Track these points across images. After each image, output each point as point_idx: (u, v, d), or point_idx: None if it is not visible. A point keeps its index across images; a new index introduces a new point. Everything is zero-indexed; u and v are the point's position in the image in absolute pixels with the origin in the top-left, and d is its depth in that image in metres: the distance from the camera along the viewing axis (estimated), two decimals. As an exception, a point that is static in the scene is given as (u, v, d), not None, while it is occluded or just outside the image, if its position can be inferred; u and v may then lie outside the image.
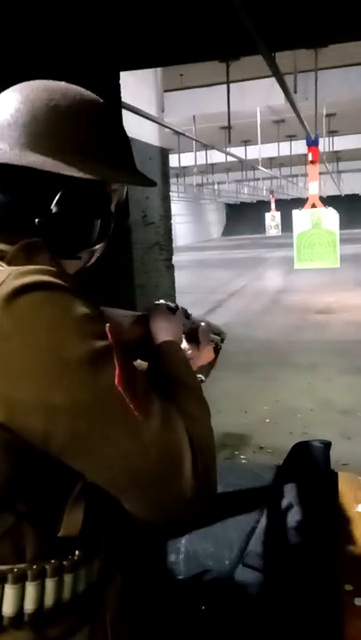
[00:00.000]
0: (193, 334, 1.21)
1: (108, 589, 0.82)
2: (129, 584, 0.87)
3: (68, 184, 0.76)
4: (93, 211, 0.81)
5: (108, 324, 0.70)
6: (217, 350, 1.27)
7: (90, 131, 0.80)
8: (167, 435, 0.69)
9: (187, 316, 1.15)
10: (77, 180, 0.76)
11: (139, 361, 0.99)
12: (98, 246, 0.87)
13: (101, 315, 0.74)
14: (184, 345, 1.22)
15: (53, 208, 0.76)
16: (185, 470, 0.69)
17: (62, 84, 0.83)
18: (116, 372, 0.66)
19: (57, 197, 0.76)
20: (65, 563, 0.74)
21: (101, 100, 0.85)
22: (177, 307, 1.10)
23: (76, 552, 0.76)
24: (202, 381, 1.19)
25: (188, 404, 0.77)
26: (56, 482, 0.73)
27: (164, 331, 0.96)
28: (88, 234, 0.82)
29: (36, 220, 0.76)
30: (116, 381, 0.66)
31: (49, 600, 0.73)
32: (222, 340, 1.32)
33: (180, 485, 0.69)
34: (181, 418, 0.72)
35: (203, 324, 1.21)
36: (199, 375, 1.21)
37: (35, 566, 0.72)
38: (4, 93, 0.81)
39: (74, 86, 0.83)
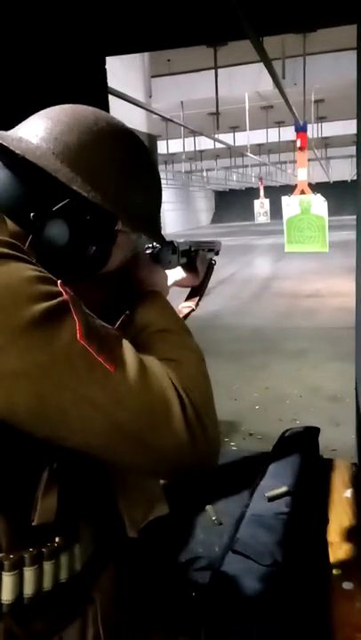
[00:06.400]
0: (191, 264, 1.16)
1: (97, 582, 0.80)
2: (124, 574, 0.85)
3: (78, 200, 0.76)
4: (88, 234, 0.78)
5: (59, 281, 0.68)
6: (211, 267, 1.24)
7: (118, 164, 0.80)
8: (144, 382, 0.66)
9: (174, 250, 1.08)
10: (88, 201, 0.75)
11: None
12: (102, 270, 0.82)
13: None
14: (182, 275, 1.17)
15: (55, 210, 0.75)
16: (173, 414, 0.67)
17: (113, 117, 0.85)
18: (77, 325, 0.64)
19: (62, 203, 0.75)
20: (44, 550, 0.73)
21: (142, 142, 0.88)
22: (158, 246, 1.02)
23: (56, 539, 0.74)
24: (192, 310, 1.17)
25: (172, 350, 0.76)
26: (25, 468, 0.71)
27: (147, 282, 0.93)
28: (73, 251, 0.78)
29: (32, 214, 0.75)
30: (78, 335, 0.64)
31: (28, 589, 0.72)
32: (217, 253, 1.27)
33: (170, 430, 0.67)
34: (162, 364, 0.70)
35: (201, 252, 1.17)
36: (189, 304, 1.18)
37: (12, 555, 0.71)
38: (56, 107, 0.83)
39: (121, 121, 0.86)
